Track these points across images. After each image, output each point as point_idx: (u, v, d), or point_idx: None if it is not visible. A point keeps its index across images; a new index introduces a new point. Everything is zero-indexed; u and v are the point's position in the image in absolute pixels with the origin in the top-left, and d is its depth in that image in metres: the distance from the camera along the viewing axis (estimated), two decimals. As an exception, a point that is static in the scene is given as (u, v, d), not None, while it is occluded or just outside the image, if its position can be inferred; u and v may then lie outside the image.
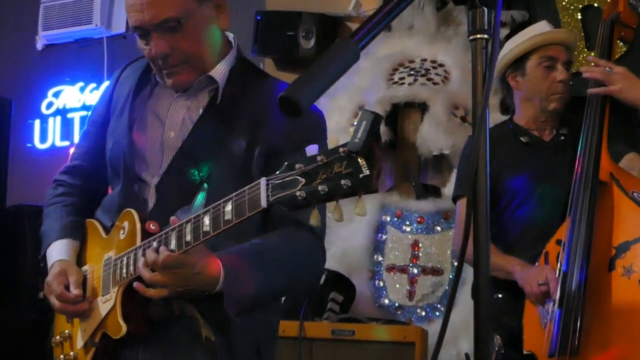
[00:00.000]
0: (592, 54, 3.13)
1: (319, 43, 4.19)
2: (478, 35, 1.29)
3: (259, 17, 4.38)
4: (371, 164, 1.30)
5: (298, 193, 1.37)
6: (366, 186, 1.30)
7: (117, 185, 1.99)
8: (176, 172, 1.89)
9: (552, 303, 2.42)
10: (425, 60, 3.87)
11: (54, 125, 5.47)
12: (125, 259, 1.83)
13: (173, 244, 1.68)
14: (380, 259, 3.80)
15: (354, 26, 4.32)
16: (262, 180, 1.46)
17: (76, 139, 5.27)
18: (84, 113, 5.32)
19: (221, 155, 1.86)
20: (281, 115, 1.79)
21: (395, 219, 3.81)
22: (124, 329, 1.81)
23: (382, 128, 3.72)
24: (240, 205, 1.52)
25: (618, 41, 2.85)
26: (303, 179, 1.37)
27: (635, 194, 2.44)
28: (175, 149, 1.92)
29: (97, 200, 2.08)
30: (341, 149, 1.32)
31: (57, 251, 2.01)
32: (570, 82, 2.82)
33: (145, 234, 1.81)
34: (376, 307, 3.74)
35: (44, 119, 5.48)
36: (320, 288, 3.51)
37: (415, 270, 3.70)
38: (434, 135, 3.60)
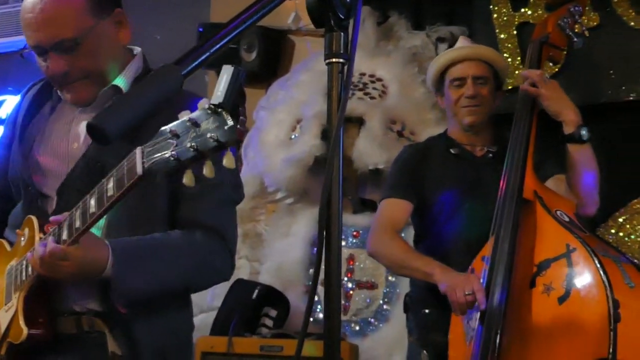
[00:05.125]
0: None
1: (261, 56, 4.19)
2: (334, 59, 1.29)
3: (201, 29, 4.36)
4: (234, 114, 1.29)
5: (169, 154, 1.37)
6: (231, 136, 1.29)
7: (21, 202, 2.00)
8: (78, 176, 1.89)
9: (474, 318, 2.42)
10: (364, 74, 3.87)
11: (-4, 135, 5.37)
12: (24, 262, 1.84)
13: (65, 234, 1.69)
14: (316, 273, 3.78)
15: (295, 39, 4.33)
16: (138, 149, 1.47)
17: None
18: (24, 122, 5.24)
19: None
20: None
21: (332, 233, 3.79)
22: (25, 331, 1.81)
23: (319, 142, 3.72)
24: (120, 178, 1.53)
25: (548, 62, 2.86)
26: (174, 141, 1.37)
27: (558, 212, 2.45)
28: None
29: (4, 220, 2.07)
30: (206, 106, 1.32)
31: None
32: (481, 96, 2.82)
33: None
34: (311, 322, 3.68)
35: (-15, 128, 5.38)
36: (253, 303, 3.49)
37: (350, 285, 3.69)
38: (370, 149, 3.60)
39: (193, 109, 1.34)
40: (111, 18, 1.92)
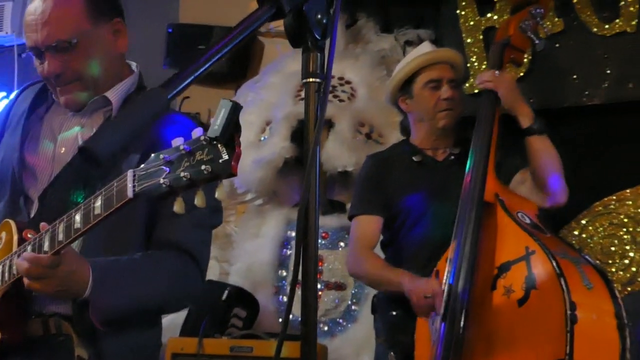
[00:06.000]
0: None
1: (230, 57, 4.20)
2: (311, 79, 1.34)
3: (170, 30, 4.37)
4: (230, 148, 1.33)
5: (162, 181, 1.41)
6: (225, 170, 1.34)
7: (3, 198, 2.01)
8: (61, 185, 1.92)
9: (438, 319, 2.47)
10: (332, 77, 3.91)
11: (-38, 134, 5.33)
12: (0, 267, 1.86)
13: (46, 245, 1.71)
14: (285, 274, 3.82)
15: (265, 41, 4.35)
16: (129, 172, 1.50)
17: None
18: (-7, 122, 5.23)
19: (111, 171, 1.85)
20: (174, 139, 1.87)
21: (301, 234, 3.83)
22: None
23: (289, 144, 3.75)
24: (109, 198, 1.56)
25: (510, 64, 2.91)
26: (168, 168, 1.41)
27: (519, 214, 2.51)
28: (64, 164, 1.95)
29: None
30: (202, 137, 1.36)
31: None
32: (455, 99, 2.89)
33: (22, 243, 1.82)
34: (280, 323, 3.75)
35: (-49, 128, 5.34)
36: (222, 304, 3.51)
37: (319, 286, 3.73)
38: (338, 152, 3.63)
39: (184, 130, 1.38)
40: (109, 25, 1.98)
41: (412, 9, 3.98)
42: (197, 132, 1.37)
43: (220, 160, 1.33)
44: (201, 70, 1.24)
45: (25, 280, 1.76)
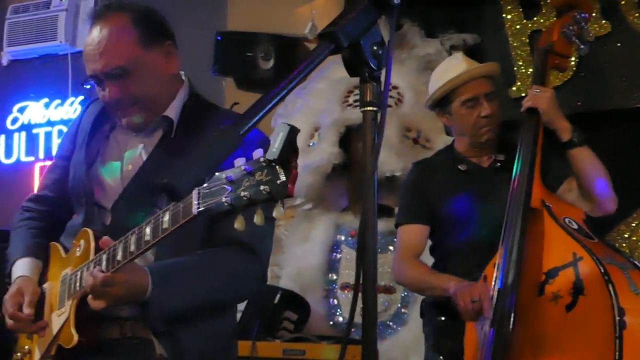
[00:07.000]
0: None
1: (277, 64, 4.27)
2: (368, 108, 1.41)
3: (219, 38, 4.45)
4: (287, 170, 1.40)
5: (224, 200, 1.49)
6: (282, 191, 1.41)
7: (80, 212, 2.16)
8: (130, 196, 2.05)
9: (487, 323, 2.50)
10: (379, 82, 3.93)
11: (19, 141, 5.51)
12: (79, 273, 1.99)
13: (120, 255, 1.83)
14: (335, 277, 3.88)
15: (311, 47, 4.40)
16: (194, 191, 1.59)
17: (41, 154, 5.35)
18: (48, 129, 5.39)
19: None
20: None
21: (350, 238, 3.90)
22: (76, 338, 1.95)
23: (337, 150, 3.81)
24: (176, 214, 1.67)
25: (554, 70, 2.90)
26: (229, 187, 1.49)
27: (566, 220, 2.52)
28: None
29: (61, 226, 2.23)
30: (261, 159, 1.44)
31: (20, 268, 2.17)
32: (495, 113, 2.88)
33: (99, 250, 1.94)
34: (330, 325, 3.81)
35: (9, 134, 5.51)
36: (274, 307, 3.58)
37: (368, 289, 3.77)
38: (386, 157, 3.66)
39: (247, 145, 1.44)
40: (161, 49, 2.09)
41: (457, 13, 4.00)
42: (257, 153, 1.45)
43: (278, 182, 1.40)
44: (268, 106, 1.32)
45: (90, 300, 1.88)
